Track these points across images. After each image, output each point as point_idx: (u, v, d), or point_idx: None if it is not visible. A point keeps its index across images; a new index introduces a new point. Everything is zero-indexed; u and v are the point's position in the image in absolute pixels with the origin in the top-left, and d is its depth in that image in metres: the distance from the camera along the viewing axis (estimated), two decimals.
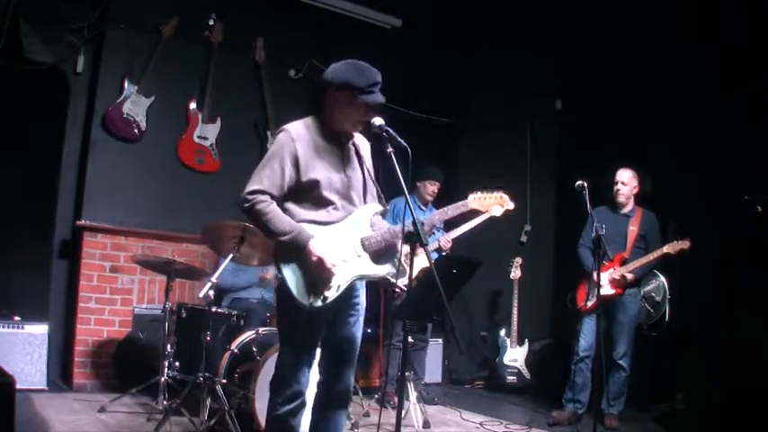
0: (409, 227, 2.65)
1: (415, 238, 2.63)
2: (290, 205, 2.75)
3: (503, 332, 6.25)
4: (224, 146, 5.81)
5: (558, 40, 6.62)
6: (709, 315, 5.15)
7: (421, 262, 4.06)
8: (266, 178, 2.68)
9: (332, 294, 2.69)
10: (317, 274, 2.67)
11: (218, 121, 5.80)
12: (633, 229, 4.87)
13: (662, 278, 5.55)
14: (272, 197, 2.68)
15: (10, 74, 4.85)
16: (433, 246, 4.82)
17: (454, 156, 7.02)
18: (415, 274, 2.81)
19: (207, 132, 5.75)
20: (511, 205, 3.42)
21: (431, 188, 5.24)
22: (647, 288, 5.60)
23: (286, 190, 2.72)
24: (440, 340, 6.36)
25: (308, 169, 2.71)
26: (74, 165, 5.36)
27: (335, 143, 2.82)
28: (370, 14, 6.29)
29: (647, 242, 4.84)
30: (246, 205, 2.66)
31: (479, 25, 6.56)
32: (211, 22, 5.76)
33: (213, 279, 4.03)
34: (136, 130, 5.44)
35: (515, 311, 6.13)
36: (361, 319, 2.90)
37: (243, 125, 6.04)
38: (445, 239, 4.79)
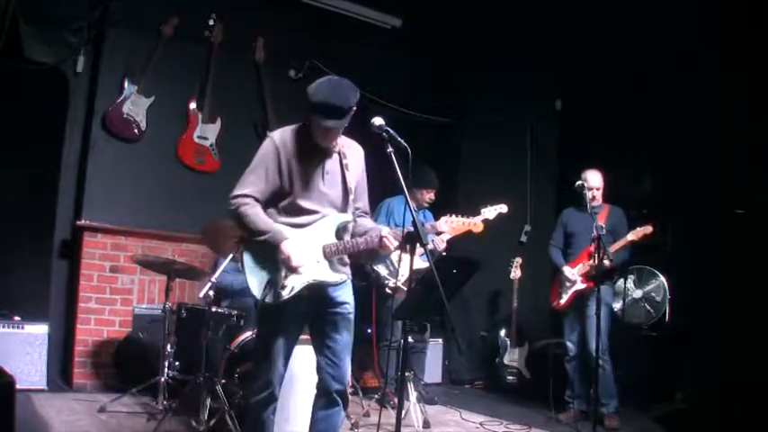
0: (409, 227, 2.67)
1: (414, 239, 2.64)
2: (268, 210, 2.91)
3: (503, 332, 6.25)
4: (224, 146, 5.81)
5: (558, 40, 6.62)
6: (709, 315, 5.15)
7: (417, 263, 4.09)
8: (250, 183, 2.86)
9: (285, 294, 2.82)
10: (274, 273, 2.82)
11: (218, 121, 5.80)
12: (601, 225, 4.90)
13: (662, 278, 5.56)
14: (256, 200, 2.86)
15: (10, 74, 4.85)
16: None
17: (454, 156, 7.02)
18: (409, 274, 2.83)
19: (207, 132, 5.76)
20: (479, 229, 3.78)
21: (427, 195, 5.26)
22: (648, 288, 5.62)
23: (269, 194, 2.88)
24: (440, 340, 6.36)
25: (289, 176, 2.86)
26: (74, 165, 5.36)
27: (320, 151, 2.92)
28: (370, 14, 6.29)
29: (616, 236, 4.88)
30: (231, 208, 2.86)
31: (479, 25, 6.56)
32: (211, 22, 5.76)
33: (213, 279, 4.03)
34: (136, 130, 5.45)
35: (515, 311, 6.13)
36: (350, 318, 2.97)
37: (243, 125, 6.04)
38: (440, 239, 4.80)
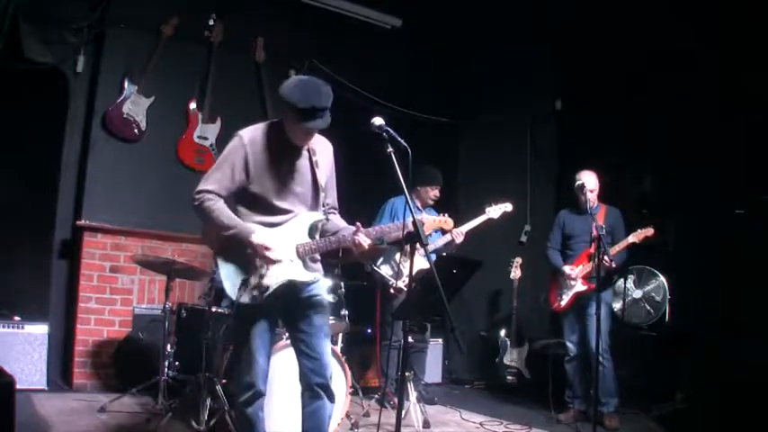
0: (409, 227, 2.68)
1: (414, 239, 2.64)
2: (239, 207, 2.92)
3: (503, 332, 6.25)
4: (224, 146, 5.78)
5: (558, 40, 6.61)
6: (709, 315, 5.15)
7: (419, 263, 4.11)
8: (215, 180, 2.87)
9: (260, 294, 2.83)
10: (248, 274, 2.83)
11: (218, 121, 5.80)
12: (601, 225, 4.91)
13: (662, 278, 5.56)
14: (220, 196, 2.87)
15: (10, 74, 4.85)
16: (433, 245, 4.84)
17: (454, 156, 7.03)
18: (409, 274, 2.84)
19: (207, 132, 5.76)
20: (450, 226, 3.84)
21: (432, 192, 5.27)
22: (648, 288, 5.61)
23: (234, 191, 2.89)
24: (440, 340, 6.36)
25: (256, 174, 2.87)
26: (74, 165, 5.37)
27: (288, 149, 2.93)
28: (370, 14, 6.29)
29: (614, 237, 4.89)
30: (195, 203, 2.86)
31: (479, 25, 6.55)
32: (211, 22, 5.76)
33: (214, 279, 4.03)
34: (136, 130, 5.45)
35: (515, 311, 6.13)
36: (324, 306, 3.00)
37: (243, 125, 5.99)
38: (458, 232, 4.80)
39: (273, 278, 2.84)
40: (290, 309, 2.96)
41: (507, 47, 6.61)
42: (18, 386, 3.08)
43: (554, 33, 6.57)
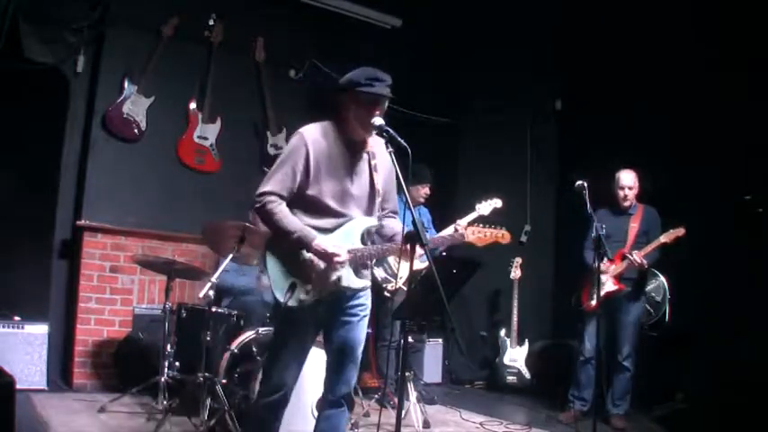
0: (409, 227, 2.66)
1: (414, 239, 2.63)
2: (293, 209, 2.81)
3: (503, 332, 6.25)
4: (224, 146, 5.81)
5: (558, 39, 6.61)
6: (709, 315, 5.15)
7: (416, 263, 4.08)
8: (278, 181, 2.77)
9: (308, 299, 2.76)
10: (298, 277, 2.76)
11: (218, 121, 5.80)
12: (634, 226, 4.92)
13: (662, 278, 5.55)
14: (282, 198, 2.77)
15: (10, 74, 4.85)
16: (440, 239, 4.82)
17: (454, 156, 7.02)
18: (409, 274, 2.80)
19: (207, 132, 5.76)
20: (507, 240, 3.44)
21: (422, 191, 5.26)
22: (648, 288, 5.60)
23: (296, 192, 2.79)
24: (440, 340, 6.36)
25: (317, 175, 2.78)
26: (74, 165, 5.37)
27: (350, 151, 2.86)
28: (370, 14, 6.30)
29: (649, 237, 4.85)
30: (258, 205, 2.77)
31: (479, 25, 6.56)
32: (211, 22, 5.77)
33: (213, 279, 4.03)
34: (136, 130, 5.45)
35: (515, 311, 6.13)
36: (364, 321, 2.92)
37: (243, 125, 6.04)
38: (460, 225, 4.78)
39: (324, 283, 2.78)
40: (335, 315, 2.86)
41: (507, 47, 6.61)
42: (18, 386, 3.08)
43: (554, 33, 6.56)
